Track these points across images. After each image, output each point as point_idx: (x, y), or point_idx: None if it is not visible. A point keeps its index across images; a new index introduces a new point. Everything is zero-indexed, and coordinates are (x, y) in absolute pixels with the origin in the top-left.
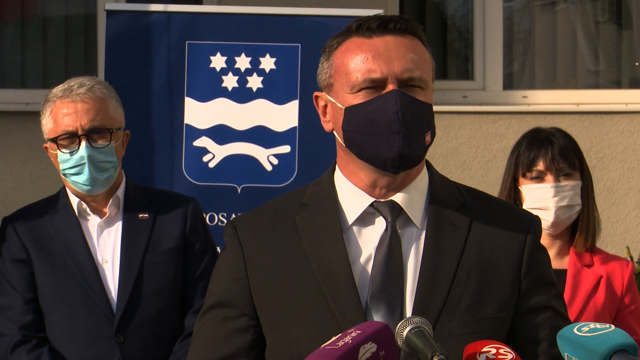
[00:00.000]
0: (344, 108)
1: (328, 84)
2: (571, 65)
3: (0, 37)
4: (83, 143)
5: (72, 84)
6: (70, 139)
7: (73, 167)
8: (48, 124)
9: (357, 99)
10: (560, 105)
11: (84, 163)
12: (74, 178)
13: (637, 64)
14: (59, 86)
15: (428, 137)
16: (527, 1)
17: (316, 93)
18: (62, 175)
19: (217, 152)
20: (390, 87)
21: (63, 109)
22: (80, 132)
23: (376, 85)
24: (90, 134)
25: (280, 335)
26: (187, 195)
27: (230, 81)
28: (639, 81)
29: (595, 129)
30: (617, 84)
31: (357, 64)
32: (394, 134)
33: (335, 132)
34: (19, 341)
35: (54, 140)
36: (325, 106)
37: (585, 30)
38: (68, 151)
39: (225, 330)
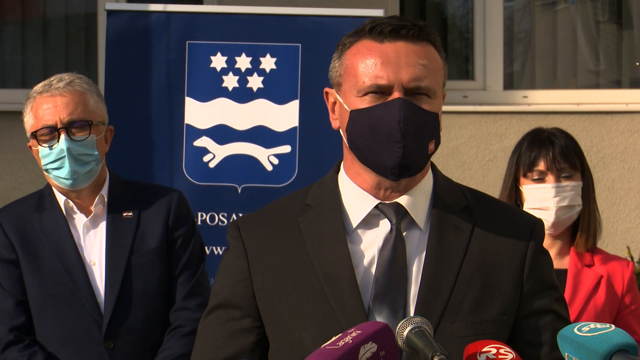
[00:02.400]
0: (349, 110)
1: (338, 82)
2: (571, 65)
3: (0, 37)
4: (62, 136)
5: (52, 79)
6: (50, 133)
7: (54, 161)
8: (29, 121)
9: (363, 103)
10: (561, 105)
11: (64, 156)
12: (55, 173)
13: (637, 64)
14: (40, 83)
15: (431, 146)
16: (527, 1)
17: (327, 89)
18: (45, 173)
19: (217, 152)
20: (396, 94)
21: (43, 105)
22: (59, 126)
23: (382, 91)
24: (69, 127)
25: (283, 337)
26: (172, 188)
27: (230, 81)
28: (639, 81)
29: (595, 129)
30: (618, 84)
31: (365, 68)
32: (394, 143)
33: (341, 131)
34: (10, 340)
35: (34, 135)
36: (334, 103)
37: (585, 30)
38: (47, 145)
39: (228, 331)
